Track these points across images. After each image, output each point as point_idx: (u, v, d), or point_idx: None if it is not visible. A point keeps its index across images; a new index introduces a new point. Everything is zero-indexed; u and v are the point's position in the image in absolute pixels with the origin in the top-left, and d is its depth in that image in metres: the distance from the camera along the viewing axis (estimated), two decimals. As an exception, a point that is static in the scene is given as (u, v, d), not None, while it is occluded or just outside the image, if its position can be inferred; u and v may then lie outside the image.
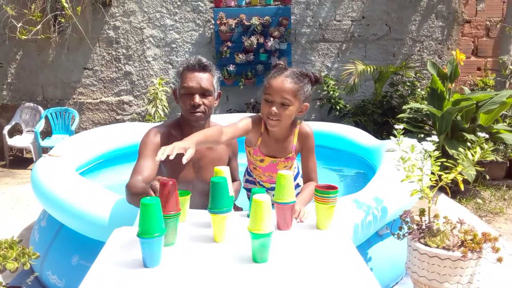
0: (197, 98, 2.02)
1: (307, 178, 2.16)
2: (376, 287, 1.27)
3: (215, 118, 3.27)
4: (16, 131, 5.83)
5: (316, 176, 2.16)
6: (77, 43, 5.71)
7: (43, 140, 5.47)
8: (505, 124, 4.49)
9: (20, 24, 5.26)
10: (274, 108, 1.93)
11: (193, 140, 1.71)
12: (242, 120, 2.04)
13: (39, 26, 5.34)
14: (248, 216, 1.83)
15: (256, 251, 1.41)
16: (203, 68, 2.06)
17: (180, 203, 1.67)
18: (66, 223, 2.36)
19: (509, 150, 4.52)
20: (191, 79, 2.03)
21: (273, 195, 1.69)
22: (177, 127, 2.15)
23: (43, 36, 5.45)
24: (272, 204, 1.64)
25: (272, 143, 2.11)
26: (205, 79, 2.05)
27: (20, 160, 5.83)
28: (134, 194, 1.81)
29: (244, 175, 2.43)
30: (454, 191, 3.79)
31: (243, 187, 2.45)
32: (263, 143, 2.12)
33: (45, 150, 5.29)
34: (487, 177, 4.32)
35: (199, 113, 2.04)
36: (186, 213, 1.79)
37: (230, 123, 2.02)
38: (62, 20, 5.43)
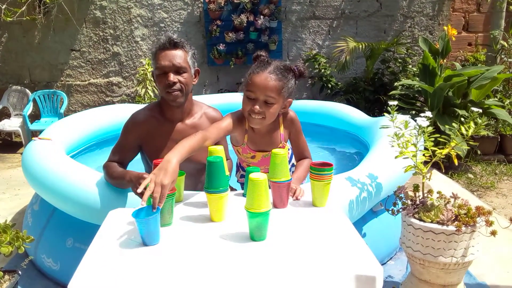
0: (172, 76, 1.99)
1: (300, 157, 2.15)
2: (373, 261, 1.28)
3: (205, 99, 3.23)
4: (4, 114, 5.74)
5: (309, 154, 2.15)
6: (63, 24, 5.59)
7: (32, 123, 5.40)
8: (496, 99, 4.50)
9: (4, 6, 5.13)
10: (257, 107, 1.85)
11: (174, 164, 1.56)
12: (224, 120, 1.95)
13: (24, 8, 5.21)
14: (243, 195, 1.82)
15: (253, 230, 1.40)
16: (174, 45, 2.01)
17: (175, 183, 1.66)
18: (58, 206, 2.34)
19: (500, 125, 4.55)
20: (163, 58, 1.99)
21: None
22: (158, 109, 2.13)
23: (28, 18, 5.33)
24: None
25: (259, 138, 2.05)
26: (178, 56, 2.01)
27: (9, 144, 5.76)
28: (111, 178, 2.01)
29: (238, 171, 2.38)
30: (446, 166, 3.82)
31: (238, 182, 2.41)
32: (250, 140, 2.06)
33: (34, 133, 5.23)
34: (479, 152, 4.35)
35: (175, 92, 2.00)
36: (182, 193, 1.78)
37: (212, 125, 1.94)
38: (47, 1, 5.29)
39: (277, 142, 2.07)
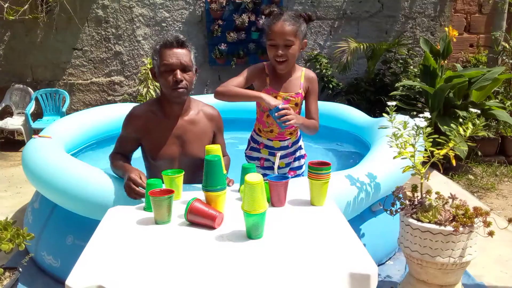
0: (179, 74, 2.05)
1: (310, 119, 2.36)
2: (368, 260, 1.28)
3: (206, 98, 3.22)
4: (6, 113, 5.76)
5: (318, 119, 2.38)
6: (65, 23, 5.60)
7: (34, 122, 5.42)
8: (497, 100, 4.50)
9: (7, 5, 5.15)
10: (280, 51, 2.16)
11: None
12: (246, 70, 2.29)
13: (26, 6, 5.23)
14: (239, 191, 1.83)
15: (250, 228, 1.41)
16: (181, 44, 2.08)
17: (174, 182, 1.68)
18: (58, 203, 2.36)
19: (501, 127, 4.54)
20: (171, 55, 2.05)
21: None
22: (158, 105, 2.19)
23: (30, 16, 5.34)
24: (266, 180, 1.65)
25: (280, 79, 2.31)
26: (184, 55, 2.08)
27: (11, 143, 5.78)
28: (113, 167, 2.16)
29: (249, 143, 2.49)
30: (446, 167, 3.82)
31: (246, 155, 2.51)
32: (272, 82, 2.31)
33: (37, 132, 5.24)
34: (479, 153, 4.35)
35: (181, 89, 2.06)
36: (180, 191, 1.80)
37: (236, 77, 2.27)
38: (50, -1, 5.32)
39: (296, 86, 2.32)
